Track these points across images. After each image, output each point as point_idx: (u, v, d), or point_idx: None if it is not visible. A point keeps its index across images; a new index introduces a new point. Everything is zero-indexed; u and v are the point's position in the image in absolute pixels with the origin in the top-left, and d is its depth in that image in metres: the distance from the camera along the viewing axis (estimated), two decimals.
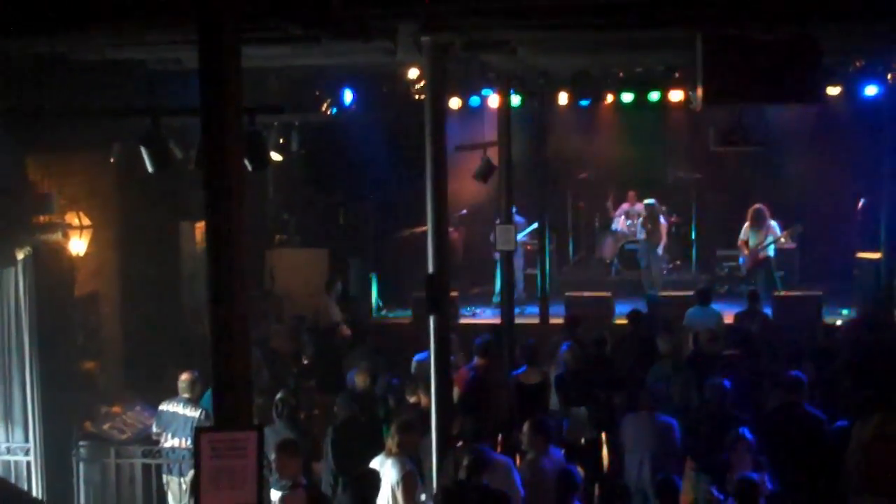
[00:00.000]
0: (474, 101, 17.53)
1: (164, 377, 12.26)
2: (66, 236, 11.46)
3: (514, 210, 15.92)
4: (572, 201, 21.13)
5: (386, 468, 8.86)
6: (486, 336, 12.55)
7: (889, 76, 15.24)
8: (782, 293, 17.42)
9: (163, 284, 14.35)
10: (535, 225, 18.24)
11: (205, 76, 6.07)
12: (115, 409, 12.08)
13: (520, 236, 17.61)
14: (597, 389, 11.85)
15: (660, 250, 19.44)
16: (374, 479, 8.28)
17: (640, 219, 19.85)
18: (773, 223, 17.84)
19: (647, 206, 19.58)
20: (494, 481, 8.47)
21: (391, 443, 9.10)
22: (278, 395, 10.57)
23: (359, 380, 11.34)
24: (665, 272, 20.16)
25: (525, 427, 9.58)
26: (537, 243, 18.35)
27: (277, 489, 9.86)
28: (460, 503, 7.67)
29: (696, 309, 14.36)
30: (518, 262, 17.97)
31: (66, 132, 11.53)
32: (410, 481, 8.91)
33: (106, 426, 11.69)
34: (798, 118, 19.56)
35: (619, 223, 20.68)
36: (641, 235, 19.64)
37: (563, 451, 10.03)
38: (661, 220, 19.62)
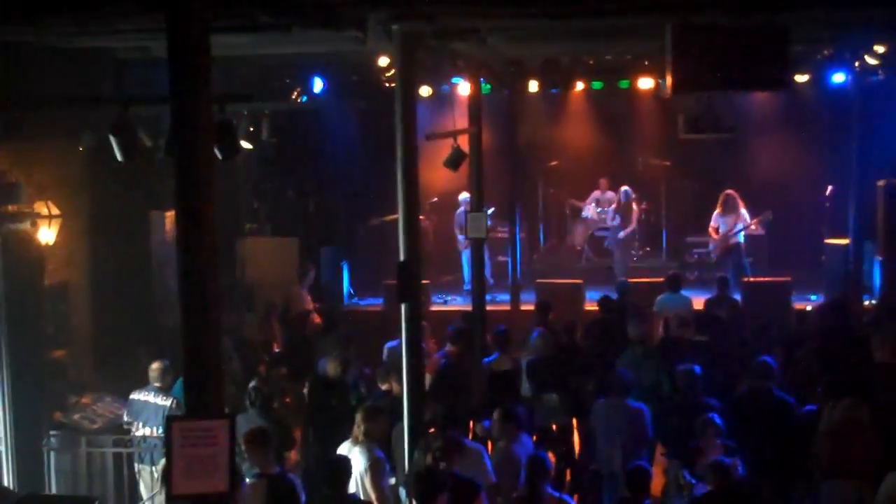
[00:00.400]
0: (445, 89, 17.53)
1: (135, 366, 12.22)
2: (34, 226, 11.39)
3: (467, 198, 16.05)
4: (543, 189, 21.19)
5: (353, 455, 8.87)
6: (458, 324, 12.57)
7: (856, 64, 15.34)
8: (751, 279, 17.55)
9: (133, 273, 14.28)
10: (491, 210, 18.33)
11: (174, 65, 6.05)
12: (85, 400, 12.04)
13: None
14: (568, 376, 11.91)
15: (621, 234, 19.49)
16: (345, 467, 8.28)
17: (613, 206, 19.92)
18: (743, 210, 17.96)
19: (625, 193, 19.58)
20: (466, 467, 8.49)
21: (357, 430, 9.11)
22: (251, 384, 10.56)
23: (330, 368, 11.34)
24: (635, 258, 20.27)
25: (495, 415, 9.61)
26: (507, 231, 18.40)
27: (251, 477, 9.87)
28: (432, 489, 7.70)
29: (666, 295, 14.44)
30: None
31: (34, 121, 11.45)
32: (377, 469, 8.93)
33: (76, 416, 11.65)
34: (766, 105, 19.68)
35: (590, 210, 20.75)
36: (615, 222, 19.67)
37: (533, 438, 10.06)
38: (634, 207, 19.69)
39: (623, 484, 9.09)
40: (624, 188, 19.70)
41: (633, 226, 19.65)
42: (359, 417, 9.20)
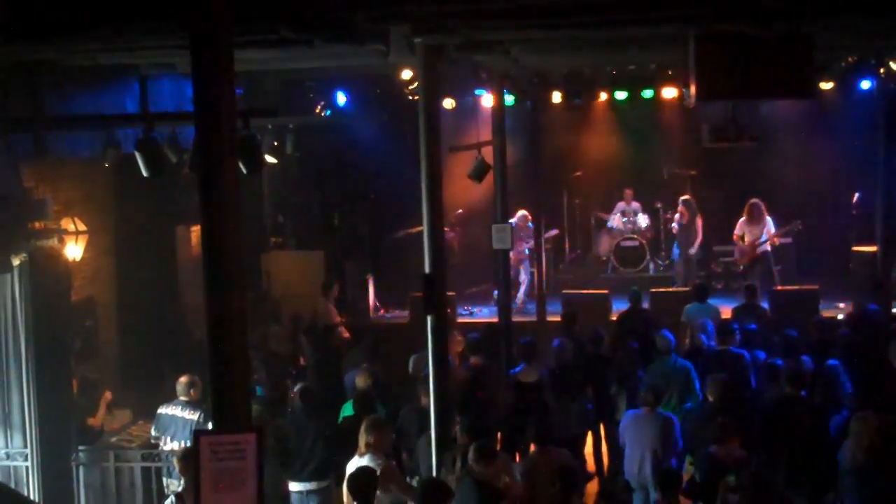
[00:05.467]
0: (468, 101, 17.54)
1: (163, 380, 12.26)
2: (61, 242, 11.46)
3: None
4: (567, 199, 21.15)
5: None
6: (473, 334, 12.54)
7: (881, 70, 15.25)
8: (779, 287, 17.45)
9: (159, 288, 14.35)
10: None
11: (198, 80, 6.08)
12: (116, 425, 12.12)
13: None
14: (587, 385, 11.89)
15: (693, 249, 19.19)
16: (371, 478, 8.28)
17: (677, 218, 19.42)
18: (769, 219, 17.87)
19: (684, 202, 19.28)
20: (494, 476, 8.51)
21: (361, 441, 9.09)
22: (300, 385, 10.87)
23: (359, 380, 11.34)
24: (662, 268, 20.18)
25: (528, 424, 9.59)
26: (533, 242, 18.37)
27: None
28: (435, 496, 7.83)
29: (693, 304, 14.37)
30: (525, 271, 18.40)
31: (60, 138, 11.53)
32: (391, 472, 8.95)
33: (114, 440, 11.73)
34: (791, 113, 19.59)
35: (615, 221, 20.67)
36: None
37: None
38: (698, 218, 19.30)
39: (656, 490, 9.03)
40: (683, 197, 19.34)
41: (699, 237, 19.33)
42: (363, 428, 9.16)
